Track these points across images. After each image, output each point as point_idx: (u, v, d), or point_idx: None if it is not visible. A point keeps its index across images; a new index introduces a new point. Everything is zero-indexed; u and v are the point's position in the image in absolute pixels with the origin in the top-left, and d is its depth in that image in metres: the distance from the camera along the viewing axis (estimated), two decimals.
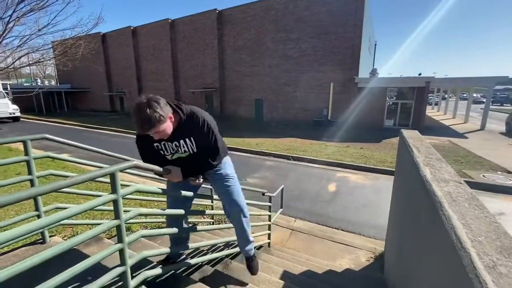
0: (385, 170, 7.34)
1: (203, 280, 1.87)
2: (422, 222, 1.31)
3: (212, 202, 3.91)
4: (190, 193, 1.78)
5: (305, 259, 3.18)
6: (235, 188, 1.89)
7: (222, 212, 2.20)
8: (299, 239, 4.06)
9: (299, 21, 16.26)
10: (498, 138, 12.47)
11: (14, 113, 17.02)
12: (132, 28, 24.08)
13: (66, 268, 1.03)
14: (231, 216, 1.97)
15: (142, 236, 1.39)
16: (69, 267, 1.04)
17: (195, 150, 1.65)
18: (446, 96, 28.99)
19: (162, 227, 3.11)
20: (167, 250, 1.68)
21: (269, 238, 3.50)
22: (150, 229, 3.16)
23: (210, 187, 3.50)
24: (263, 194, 3.47)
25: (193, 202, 1.98)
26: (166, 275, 1.77)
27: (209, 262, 2.29)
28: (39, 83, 27.87)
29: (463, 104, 25.12)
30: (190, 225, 3.41)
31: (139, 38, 24.15)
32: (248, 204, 3.45)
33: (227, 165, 1.89)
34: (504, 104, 35.48)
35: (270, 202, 3.50)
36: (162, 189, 1.56)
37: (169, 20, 21.67)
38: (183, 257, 2.05)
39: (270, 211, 3.50)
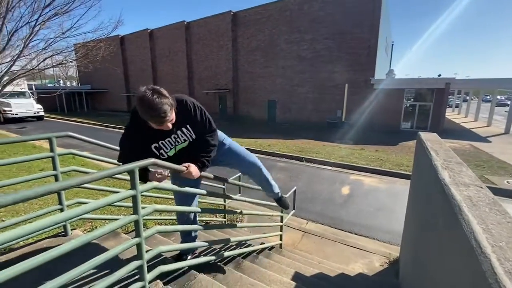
0: (402, 174, 7.14)
1: (215, 277, 1.89)
2: (440, 227, 1.28)
3: (224, 201, 3.96)
4: (203, 191, 1.81)
5: (317, 262, 3.15)
6: (242, 152, 2.02)
7: (234, 210, 2.23)
8: (311, 242, 4.02)
9: (313, 21, 16.13)
10: None
11: (38, 112, 17.87)
12: (149, 30, 24.74)
13: (86, 260, 1.08)
14: (252, 176, 2.18)
15: (158, 232, 1.43)
16: (89, 259, 1.09)
17: (194, 136, 1.63)
18: (468, 98, 27.81)
19: (175, 225, 3.18)
20: (182, 246, 1.72)
21: (280, 239, 3.50)
22: (165, 225, 3.24)
23: (223, 186, 3.55)
24: None
25: (205, 201, 2.04)
26: (179, 271, 1.81)
27: (221, 260, 2.32)
28: (61, 84, 29.19)
29: (485, 107, 24.02)
30: (203, 223, 3.47)
31: (156, 40, 24.77)
32: (260, 205, 3.47)
33: (224, 137, 1.95)
34: None
35: None
36: (176, 186, 1.60)
37: (185, 23, 22.09)
38: (196, 254, 2.09)
39: (282, 212, 3.50)
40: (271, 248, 3.34)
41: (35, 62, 6.47)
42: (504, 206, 1.01)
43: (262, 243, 3.16)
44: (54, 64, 7.18)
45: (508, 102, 24.53)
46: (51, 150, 1.76)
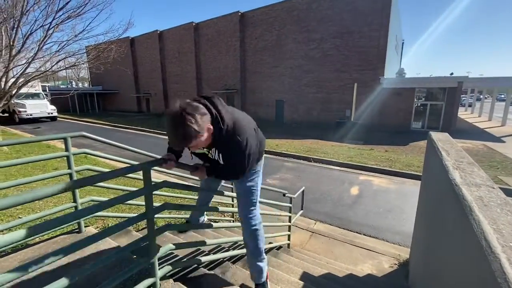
0: (412, 175, 7.02)
1: (224, 275, 1.92)
2: (450, 228, 1.27)
3: (232, 200, 3.99)
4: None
5: (325, 262, 3.14)
6: (251, 202, 1.72)
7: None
8: (319, 242, 4.01)
9: (321, 21, 16.01)
10: None
11: (52, 113, 18.35)
12: (158, 32, 25.09)
13: (99, 256, 1.12)
14: (243, 224, 1.75)
15: (169, 230, 1.46)
16: (102, 255, 1.13)
17: (221, 162, 1.50)
18: (481, 97, 27.03)
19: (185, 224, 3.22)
20: (192, 244, 1.75)
21: (288, 239, 3.50)
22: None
23: (231, 185, 3.57)
24: (284, 195, 3.48)
25: (213, 199, 2.10)
26: (188, 269, 1.84)
27: (230, 258, 2.35)
28: (74, 85, 29.92)
29: (500, 106, 23.28)
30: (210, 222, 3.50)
31: (165, 41, 25.10)
32: (268, 204, 3.48)
33: (252, 177, 1.73)
34: None
35: (290, 203, 3.50)
36: (186, 184, 1.64)
37: (193, 24, 22.31)
38: (202, 220, 2.21)
39: (290, 212, 3.50)
40: (279, 247, 3.35)
41: (48, 64, 6.65)
42: None
43: (270, 243, 3.18)
44: (67, 66, 7.36)
45: None
46: (66, 149, 1.82)
